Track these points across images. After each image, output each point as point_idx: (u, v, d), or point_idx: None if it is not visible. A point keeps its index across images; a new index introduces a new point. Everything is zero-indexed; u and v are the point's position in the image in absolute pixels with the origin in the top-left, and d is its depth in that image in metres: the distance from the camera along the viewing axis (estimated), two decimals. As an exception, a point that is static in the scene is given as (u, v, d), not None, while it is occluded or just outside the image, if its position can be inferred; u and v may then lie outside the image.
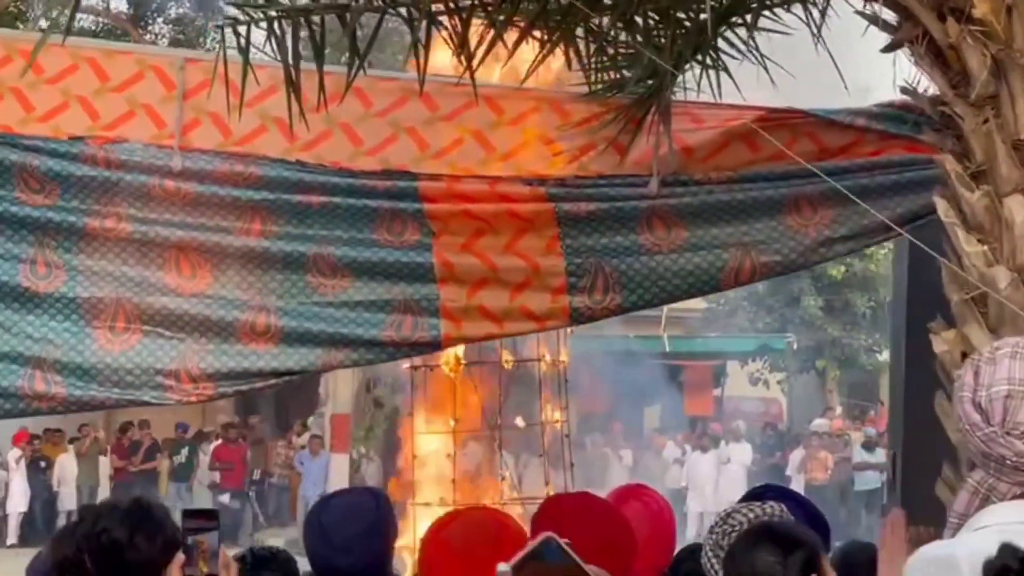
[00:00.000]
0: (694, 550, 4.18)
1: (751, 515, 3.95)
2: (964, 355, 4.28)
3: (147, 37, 28.93)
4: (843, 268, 30.50)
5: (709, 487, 26.94)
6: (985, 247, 4.29)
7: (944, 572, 2.84)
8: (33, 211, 5.52)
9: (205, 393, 5.56)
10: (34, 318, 5.50)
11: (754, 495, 4.29)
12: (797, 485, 25.68)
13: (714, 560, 3.93)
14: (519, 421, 17.87)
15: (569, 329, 11.53)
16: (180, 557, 4.14)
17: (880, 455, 26.88)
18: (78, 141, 5.57)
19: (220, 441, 26.99)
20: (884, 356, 32.87)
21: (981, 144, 4.32)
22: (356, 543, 4.31)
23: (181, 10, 30.72)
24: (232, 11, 5.02)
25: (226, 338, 5.52)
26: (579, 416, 19.28)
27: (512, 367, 17.75)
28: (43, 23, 27.68)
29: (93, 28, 29.93)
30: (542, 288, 5.53)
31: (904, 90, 4.67)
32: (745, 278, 5.57)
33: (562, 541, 2.21)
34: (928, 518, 4.49)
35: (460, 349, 12.32)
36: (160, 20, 30.81)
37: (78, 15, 31.75)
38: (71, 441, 26.49)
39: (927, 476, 5.99)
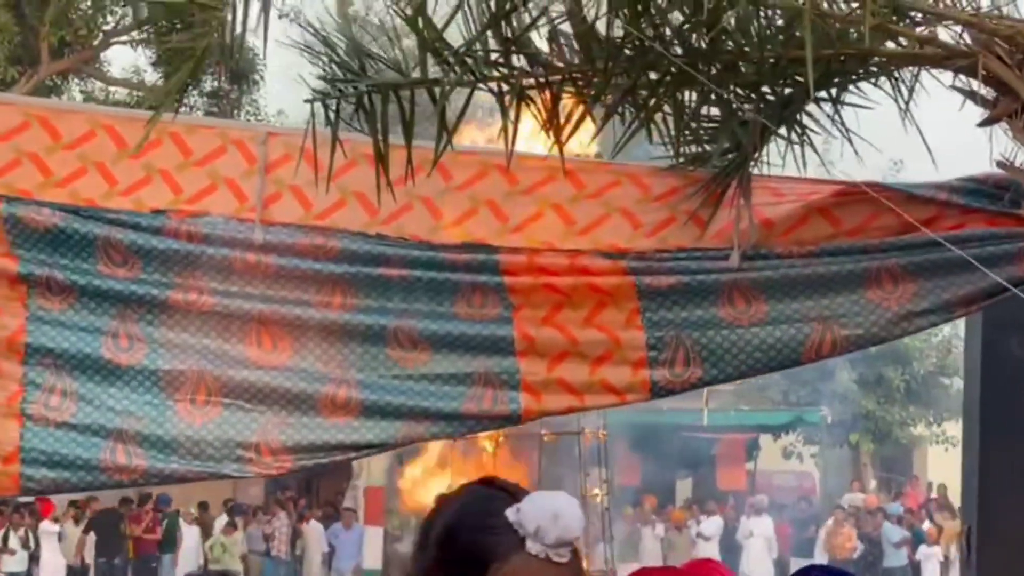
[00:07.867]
0: None
1: None
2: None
3: (182, 110, 29.12)
4: (876, 341, 30.37)
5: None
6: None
7: None
8: (116, 284, 5.53)
9: (285, 466, 5.54)
10: (116, 390, 5.50)
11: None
12: (823, 560, 25.59)
13: None
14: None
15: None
16: None
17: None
18: (160, 215, 5.57)
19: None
20: (918, 430, 32.79)
21: (1085, 220, 4.32)
22: None
23: (216, 83, 30.92)
24: (318, 85, 5.04)
25: (306, 411, 5.50)
26: (612, 488, 19.27)
27: (550, 440, 17.81)
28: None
29: (127, 101, 30.14)
30: (622, 361, 5.50)
31: (1000, 164, 4.67)
32: (827, 352, 5.53)
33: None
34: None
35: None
36: (195, 93, 30.97)
37: (111, 88, 32.12)
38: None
39: (1007, 550, 5.98)
